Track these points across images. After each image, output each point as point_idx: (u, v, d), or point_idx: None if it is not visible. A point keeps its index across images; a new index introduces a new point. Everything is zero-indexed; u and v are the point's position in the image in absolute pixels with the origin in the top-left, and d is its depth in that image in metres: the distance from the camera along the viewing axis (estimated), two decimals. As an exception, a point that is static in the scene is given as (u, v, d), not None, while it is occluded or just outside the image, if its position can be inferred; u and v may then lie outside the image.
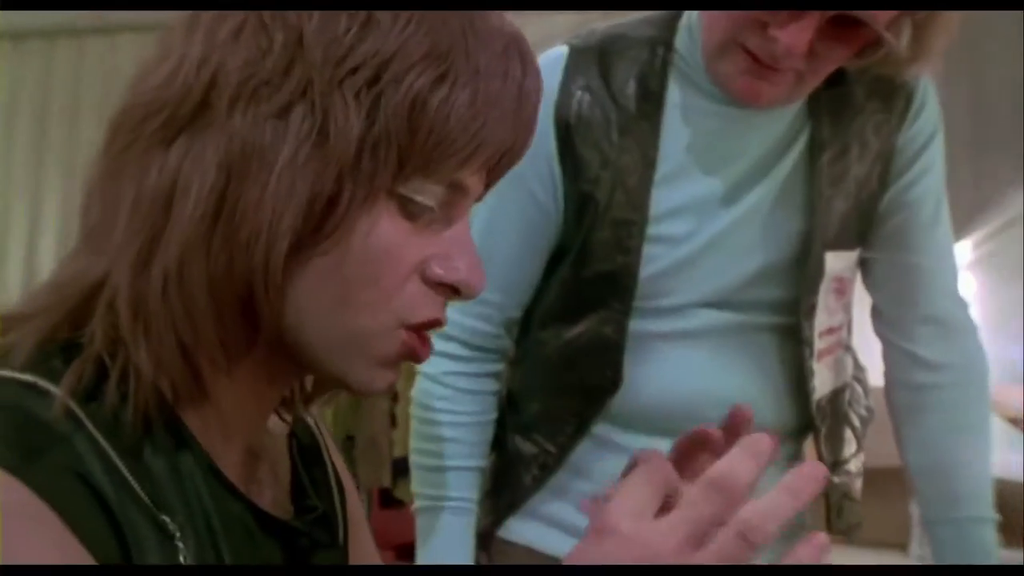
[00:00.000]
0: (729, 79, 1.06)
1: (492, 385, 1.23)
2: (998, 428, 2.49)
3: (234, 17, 0.59)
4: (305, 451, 0.78)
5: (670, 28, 1.15)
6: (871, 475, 1.40)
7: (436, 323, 0.66)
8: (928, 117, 1.20)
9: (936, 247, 1.23)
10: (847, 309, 1.24)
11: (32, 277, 4.66)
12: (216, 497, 0.62)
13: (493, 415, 1.24)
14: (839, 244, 1.17)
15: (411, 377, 3.15)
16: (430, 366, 1.21)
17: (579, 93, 1.13)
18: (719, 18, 1.05)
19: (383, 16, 0.58)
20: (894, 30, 0.99)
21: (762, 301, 1.16)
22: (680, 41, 1.14)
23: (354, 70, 0.57)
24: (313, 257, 0.59)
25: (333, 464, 0.81)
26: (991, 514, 1.19)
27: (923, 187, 1.21)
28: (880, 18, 0.98)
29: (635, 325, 1.14)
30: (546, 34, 4.21)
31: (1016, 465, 2.51)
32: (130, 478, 0.57)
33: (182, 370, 0.59)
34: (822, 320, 1.17)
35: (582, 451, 1.19)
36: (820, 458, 1.23)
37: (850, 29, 0.99)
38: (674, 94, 1.13)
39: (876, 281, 1.25)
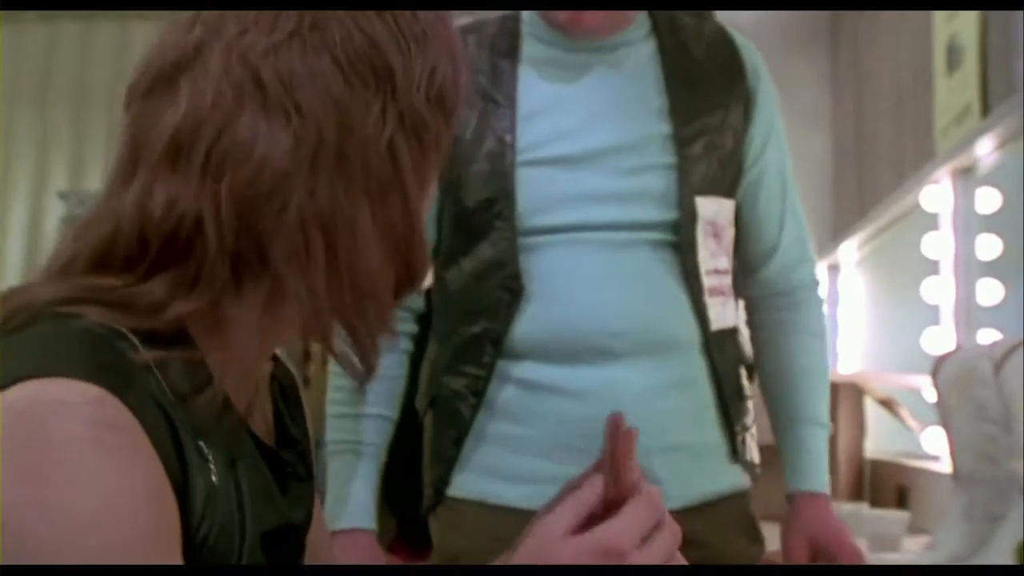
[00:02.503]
0: (557, 15, 1.31)
1: (402, 343, 1.36)
2: (872, 411, 2.70)
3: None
4: (285, 392, 0.89)
5: (512, 16, 1.40)
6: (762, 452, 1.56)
7: None
8: (767, 112, 1.40)
9: (784, 215, 1.41)
10: (729, 255, 1.37)
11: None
12: (231, 427, 0.73)
13: (402, 371, 1.37)
14: (705, 191, 1.32)
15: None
16: None
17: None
18: None
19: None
20: None
21: (644, 222, 1.30)
22: (522, 18, 1.38)
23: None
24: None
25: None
26: (825, 420, 1.38)
27: (767, 163, 1.40)
28: None
29: (525, 245, 1.29)
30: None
31: (887, 444, 2.74)
32: (181, 408, 0.66)
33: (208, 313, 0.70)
34: (705, 258, 1.31)
35: (508, 396, 1.30)
36: (720, 387, 1.33)
37: None
38: (527, 50, 1.35)
39: (737, 242, 1.41)
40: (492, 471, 1.30)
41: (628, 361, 1.26)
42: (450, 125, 0.77)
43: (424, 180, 0.75)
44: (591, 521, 0.73)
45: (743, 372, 1.39)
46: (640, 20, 1.37)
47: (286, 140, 0.67)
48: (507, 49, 1.35)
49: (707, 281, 1.31)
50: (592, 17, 1.30)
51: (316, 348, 2.81)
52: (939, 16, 2.66)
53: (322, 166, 0.68)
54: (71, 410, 0.59)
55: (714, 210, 1.33)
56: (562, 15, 1.30)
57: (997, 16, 2.26)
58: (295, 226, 0.68)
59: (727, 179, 1.36)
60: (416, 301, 1.37)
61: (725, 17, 1.40)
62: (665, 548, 0.73)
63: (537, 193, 1.29)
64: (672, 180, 1.30)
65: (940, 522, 2.08)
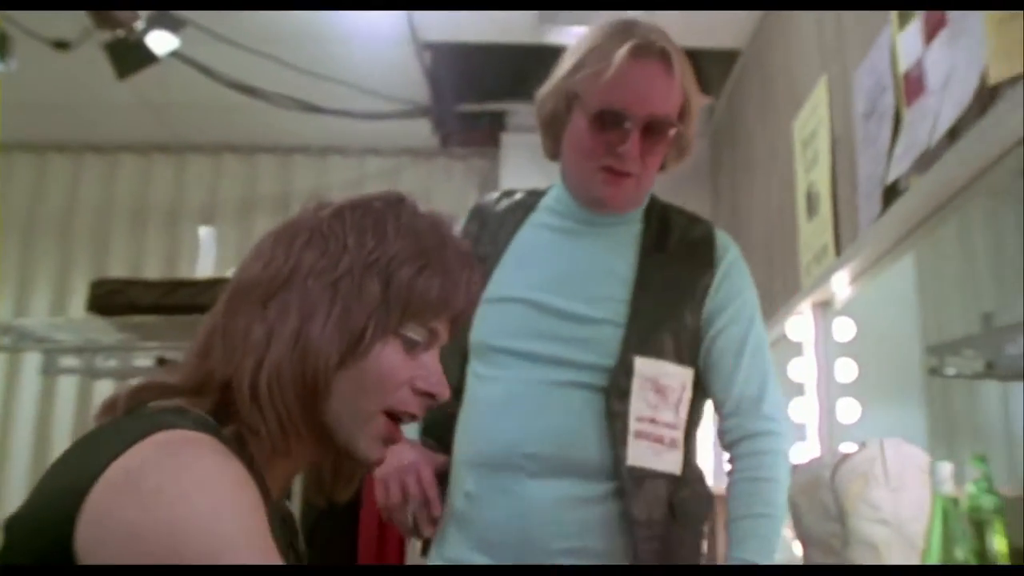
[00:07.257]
0: (596, 191, 1.60)
1: None
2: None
3: (303, 233, 1.00)
4: (285, 521, 1.11)
5: (540, 192, 1.73)
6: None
7: (415, 417, 1.05)
8: (731, 285, 1.65)
9: (737, 371, 1.63)
10: (677, 413, 1.59)
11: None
12: (273, 505, 0.98)
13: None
14: (647, 353, 1.55)
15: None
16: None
17: (467, 225, 1.70)
18: (584, 155, 1.59)
19: (390, 231, 1.00)
20: (683, 127, 1.59)
21: (581, 362, 1.55)
22: (548, 194, 1.71)
23: (375, 261, 0.98)
24: (346, 369, 0.98)
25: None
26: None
27: (728, 337, 1.63)
28: (673, 115, 1.56)
29: (475, 370, 1.60)
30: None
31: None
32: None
33: (277, 433, 0.96)
34: (639, 407, 1.54)
35: (457, 504, 1.59)
36: (629, 514, 1.53)
37: (659, 134, 1.56)
38: (533, 217, 1.67)
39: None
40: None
41: (540, 479, 1.51)
42: None
43: None
44: None
45: (669, 514, 1.59)
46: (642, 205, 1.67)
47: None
48: (519, 214, 1.68)
49: (635, 425, 1.53)
50: (624, 197, 1.60)
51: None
52: (800, 167, 2.98)
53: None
54: (198, 439, 0.87)
55: (656, 371, 1.55)
56: (604, 194, 1.59)
57: (844, 169, 2.57)
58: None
59: (682, 349, 1.59)
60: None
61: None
62: None
63: (490, 325, 1.58)
64: (618, 337, 1.54)
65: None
